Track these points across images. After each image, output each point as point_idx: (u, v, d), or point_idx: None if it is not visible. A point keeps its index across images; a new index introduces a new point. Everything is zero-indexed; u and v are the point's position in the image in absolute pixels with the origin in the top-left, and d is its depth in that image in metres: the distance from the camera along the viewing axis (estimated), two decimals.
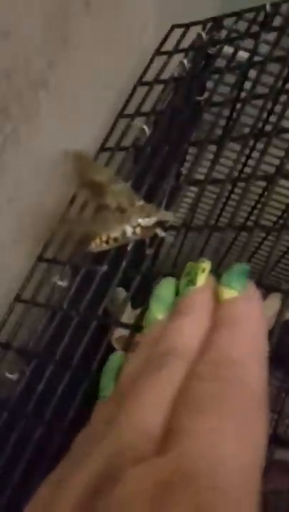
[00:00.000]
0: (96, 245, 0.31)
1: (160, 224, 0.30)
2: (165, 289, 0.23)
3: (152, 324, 0.22)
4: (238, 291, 0.20)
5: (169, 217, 0.30)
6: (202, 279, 0.21)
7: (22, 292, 0.34)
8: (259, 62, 0.35)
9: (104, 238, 0.31)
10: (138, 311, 0.48)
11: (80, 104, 0.39)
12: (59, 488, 0.16)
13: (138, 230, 0.30)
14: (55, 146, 0.36)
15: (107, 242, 0.31)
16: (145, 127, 0.38)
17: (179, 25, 0.43)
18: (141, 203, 0.31)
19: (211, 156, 0.48)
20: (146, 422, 0.17)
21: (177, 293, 0.23)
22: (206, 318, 0.20)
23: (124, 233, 0.30)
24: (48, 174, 0.37)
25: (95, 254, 0.32)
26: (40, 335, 0.31)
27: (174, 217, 0.30)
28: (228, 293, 0.20)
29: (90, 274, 0.32)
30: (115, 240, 0.31)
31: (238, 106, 0.35)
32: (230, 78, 0.37)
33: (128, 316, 0.49)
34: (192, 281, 0.21)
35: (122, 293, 0.47)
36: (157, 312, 0.22)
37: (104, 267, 0.32)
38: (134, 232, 0.30)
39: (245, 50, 0.38)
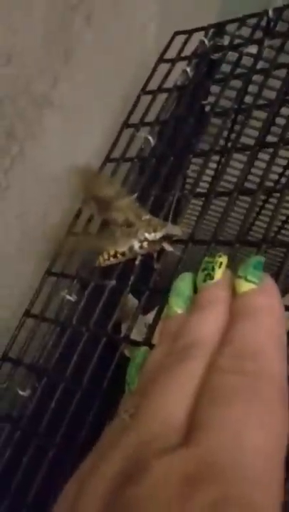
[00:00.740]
0: (103, 259, 0.31)
1: (167, 238, 0.30)
2: (183, 283, 0.23)
3: (172, 318, 0.22)
4: (255, 284, 0.20)
5: (176, 231, 0.30)
6: (220, 273, 0.22)
7: (31, 307, 0.34)
8: (263, 69, 0.35)
9: (111, 253, 0.31)
10: (148, 316, 0.48)
11: (84, 116, 0.39)
12: (87, 480, 0.17)
13: (145, 244, 0.30)
14: (60, 161, 0.36)
15: (114, 256, 0.31)
16: (150, 137, 0.37)
17: (181, 32, 0.43)
18: (148, 217, 0.30)
19: (215, 164, 0.48)
20: (170, 414, 0.17)
21: (195, 287, 0.23)
22: (225, 312, 0.20)
23: (131, 248, 0.30)
24: (53, 189, 0.37)
25: (103, 269, 0.32)
26: (51, 350, 0.32)
27: (182, 232, 0.30)
28: (245, 286, 0.20)
29: (99, 288, 0.32)
30: (122, 254, 0.31)
31: (243, 114, 0.35)
32: (236, 82, 0.37)
33: (139, 322, 0.49)
34: (210, 276, 0.22)
35: (131, 300, 0.47)
36: (176, 306, 0.23)
37: (113, 282, 0.32)
38: (141, 247, 0.30)
39: (249, 55, 0.37)
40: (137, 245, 0.30)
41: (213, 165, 0.49)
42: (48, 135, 0.34)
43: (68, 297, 0.33)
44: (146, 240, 0.30)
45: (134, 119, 0.39)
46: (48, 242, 0.36)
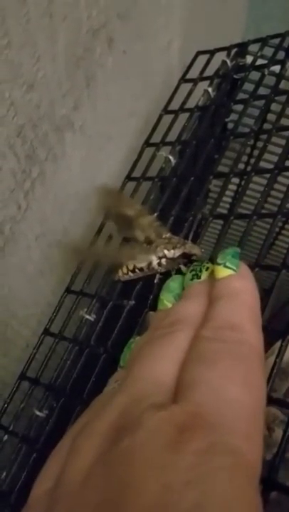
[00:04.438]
0: (122, 274, 0.31)
1: (186, 256, 0.30)
2: (173, 282, 0.25)
3: (162, 310, 0.24)
4: (233, 270, 0.22)
5: (196, 250, 0.29)
6: (206, 274, 0.24)
7: (50, 325, 0.35)
8: (285, 91, 0.35)
9: (130, 267, 0.31)
10: None
11: (105, 138, 0.40)
12: (79, 436, 0.18)
13: (164, 261, 0.30)
14: (81, 182, 0.37)
15: (133, 271, 0.31)
16: (170, 157, 0.38)
17: (203, 52, 0.43)
18: (168, 235, 0.30)
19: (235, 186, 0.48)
20: (159, 376, 0.19)
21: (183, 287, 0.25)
22: (207, 300, 0.22)
23: (149, 264, 0.30)
24: (73, 209, 0.37)
25: (122, 288, 0.32)
26: (69, 370, 0.31)
27: (201, 251, 0.29)
28: (224, 271, 0.22)
29: (118, 307, 0.32)
30: (141, 269, 0.31)
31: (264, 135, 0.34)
32: (259, 102, 0.37)
33: None
34: (197, 276, 0.24)
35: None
36: (166, 300, 0.25)
37: (132, 302, 0.31)
38: (159, 264, 0.30)
39: (272, 73, 0.37)
40: (155, 261, 0.30)
41: (234, 186, 0.48)
42: (69, 157, 0.34)
43: (87, 316, 0.33)
44: (164, 256, 0.30)
45: (156, 138, 0.40)
46: (68, 257, 0.36)
